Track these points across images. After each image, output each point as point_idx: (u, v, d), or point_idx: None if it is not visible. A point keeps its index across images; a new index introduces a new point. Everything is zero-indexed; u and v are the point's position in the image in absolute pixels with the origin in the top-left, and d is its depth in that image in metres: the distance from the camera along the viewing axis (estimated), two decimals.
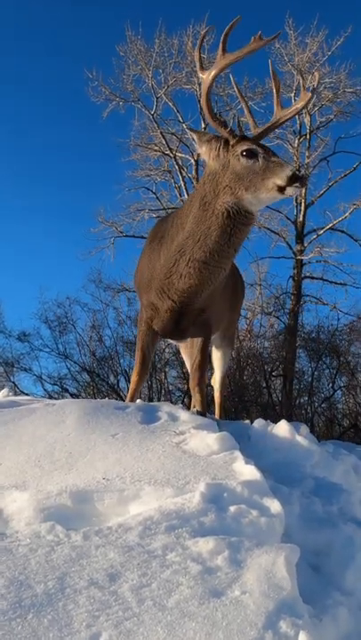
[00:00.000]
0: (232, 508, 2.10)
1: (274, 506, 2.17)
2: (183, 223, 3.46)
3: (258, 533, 2.02)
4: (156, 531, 1.94)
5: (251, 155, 3.26)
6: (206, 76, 3.46)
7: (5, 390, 4.14)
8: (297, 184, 3.15)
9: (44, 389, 14.71)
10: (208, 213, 3.33)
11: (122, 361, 14.94)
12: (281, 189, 3.18)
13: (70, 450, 2.56)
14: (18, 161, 26.35)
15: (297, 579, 1.85)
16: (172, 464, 2.41)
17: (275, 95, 3.80)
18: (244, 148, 3.28)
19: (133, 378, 3.78)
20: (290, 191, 3.18)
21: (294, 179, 3.14)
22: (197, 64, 3.66)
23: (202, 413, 3.41)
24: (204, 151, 3.43)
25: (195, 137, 3.50)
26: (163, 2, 25.18)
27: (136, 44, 16.24)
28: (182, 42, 16.34)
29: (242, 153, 3.28)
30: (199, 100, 17.00)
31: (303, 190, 3.13)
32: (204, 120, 16.79)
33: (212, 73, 3.45)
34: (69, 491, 2.18)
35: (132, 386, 3.79)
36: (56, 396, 14.55)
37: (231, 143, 3.36)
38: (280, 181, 3.16)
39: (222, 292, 3.86)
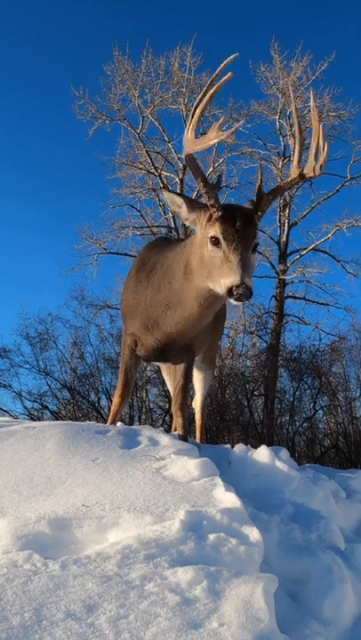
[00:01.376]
0: (211, 537, 2.10)
1: (253, 534, 2.16)
2: (171, 276, 3.38)
3: (237, 562, 2.02)
4: (134, 560, 1.93)
5: (216, 243, 2.97)
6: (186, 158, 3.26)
7: None
8: (231, 299, 2.87)
9: (24, 406, 14.56)
10: (189, 283, 3.24)
11: (103, 378, 14.86)
12: (230, 293, 2.87)
13: (50, 475, 2.54)
14: (0, 176, 26.29)
15: (275, 607, 1.85)
16: (152, 490, 2.41)
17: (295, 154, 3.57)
18: (212, 233, 2.98)
19: (115, 400, 3.77)
20: (231, 300, 2.90)
21: (230, 292, 2.85)
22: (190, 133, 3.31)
23: (183, 437, 3.41)
24: (190, 221, 3.18)
25: (184, 203, 3.19)
26: (150, 23, 25.50)
27: (123, 63, 16.41)
28: (169, 62, 16.56)
29: (210, 238, 2.99)
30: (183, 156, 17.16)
31: (241, 304, 2.91)
32: None
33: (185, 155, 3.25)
34: (48, 518, 2.16)
35: (113, 407, 3.78)
36: (36, 412, 14.42)
37: (210, 222, 3.04)
38: (221, 289, 2.94)
39: None
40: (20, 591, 1.74)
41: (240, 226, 2.97)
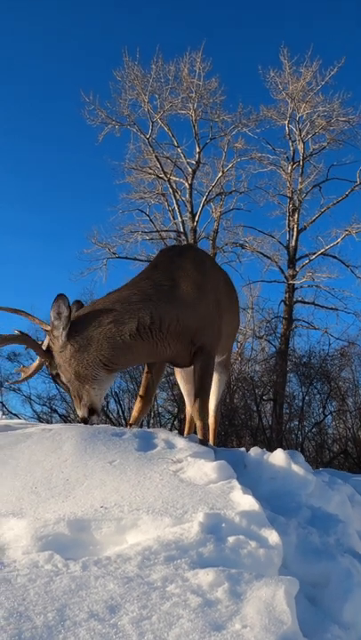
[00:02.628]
0: (231, 539, 2.09)
1: (272, 537, 2.16)
2: None
3: (256, 565, 2.02)
4: (155, 561, 1.94)
5: None
6: None
7: None
8: None
9: (33, 410, 14.62)
10: None
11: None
12: None
13: (67, 476, 2.55)
14: (10, 181, 26.46)
15: (295, 612, 1.85)
16: (170, 493, 2.41)
17: None
18: None
19: (136, 404, 3.80)
20: None
21: None
22: None
23: (203, 441, 3.41)
24: None
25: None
26: (160, 29, 25.65)
27: (133, 69, 16.52)
28: (179, 68, 16.65)
29: None
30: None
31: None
32: (198, 145, 17.03)
33: None
34: (67, 519, 2.16)
35: (133, 413, 3.80)
36: (45, 416, 14.46)
37: None
38: None
39: (223, 322, 3.92)
40: (42, 591, 1.75)
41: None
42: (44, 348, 3.51)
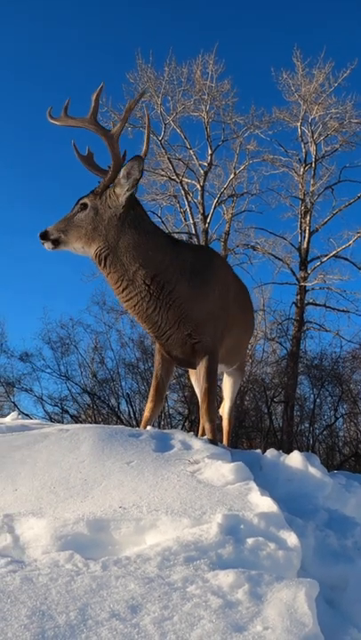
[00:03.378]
0: (249, 541, 2.09)
1: (291, 539, 2.16)
2: None
3: (276, 567, 2.01)
4: (175, 562, 1.94)
5: None
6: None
7: (14, 413, 4.15)
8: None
9: (45, 410, 14.67)
10: None
11: (123, 383, 14.93)
12: None
13: (85, 477, 2.56)
14: (23, 182, 26.62)
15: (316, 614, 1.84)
16: (188, 494, 2.41)
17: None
18: None
19: (147, 405, 3.80)
20: None
21: None
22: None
23: (212, 441, 3.40)
24: None
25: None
26: (173, 31, 25.70)
27: (146, 71, 16.58)
28: (191, 70, 16.67)
29: None
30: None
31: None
32: (210, 147, 17.04)
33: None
34: (86, 519, 2.17)
35: (145, 413, 3.80)
36: (56, 417, 14.50)
37: None
38: None
39: (238, 329, 3.95)
40: (63, 590, 1.76)
41: None
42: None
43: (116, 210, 3.55)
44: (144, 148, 3.90)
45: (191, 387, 4.72)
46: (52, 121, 3.69)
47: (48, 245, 3.62)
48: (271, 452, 3.26)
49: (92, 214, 3.57)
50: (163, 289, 3.53)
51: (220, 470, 2.64)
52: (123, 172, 3.52)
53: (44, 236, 3.62)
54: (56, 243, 3.62)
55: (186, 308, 3.56)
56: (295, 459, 3.10)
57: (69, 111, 3.66)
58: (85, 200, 3.62)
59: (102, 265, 3.59)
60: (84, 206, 3.60)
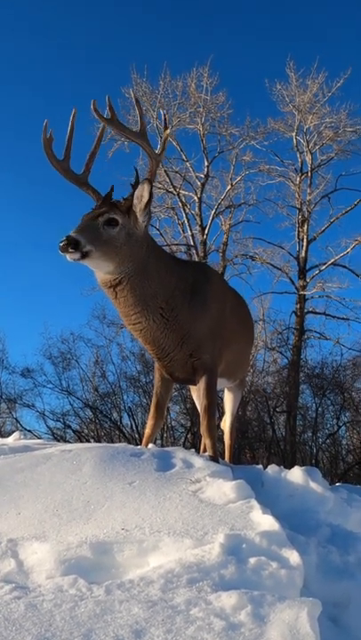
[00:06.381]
0: (252, 560, 2.10)
1: (293, 557, 2.16)
2: None
3: (278, 586, 2.02)
4: (177, 584, 1.95)
5: None
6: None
7: (17, 434, 4.16)
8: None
9: (47, 426, 14.66)
10: None
11: (125, 397, 14.93)
12: None
13: (88, 498, 2.58)
14: (20, 196, 26.73)
15: (319, 633, 1.85)
16: (190, 514, 2.42)
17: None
18: None
19: (148, 422, 3.82)
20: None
21: None
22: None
23: (214, 459, 3.42)
24: None
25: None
26: (167, 45, 25.92)
27: (141, 85, 16.71)
28: (186, 83, 16.80)
29: None
30: (202, 140, 17.37)
31: (62, 253, 2.94)
32: (207, 158, 17.14)
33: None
34: (89, 542, 2.19)
35: (146, 430, 3.82)
36: (58, 432, 14.49)
37: None
38: None
39: (237, 343, 3.97)
40: (67, 616, 1.77)
41: (95, 207, 3.52)
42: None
43: (141, 232, 3.47)
44: (160, 148, 3.96)
45: (193, 398, 4.72)
46: (102, 120, 3.69)
47: (75, 256, 3.23)
48: (272, 468, 3.28)
49: (124, 234, 3.39)
50: (172, 311, 3.53)
51: (222, 489, 2.65)
52: (136, 193, 3.45)
53: (76, 245, 3.21)
54: (84, 255, 3.26)
55: (189, 328, 3.58)
56: (296, 474, 3.12)
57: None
58: (115, 216, 3.38)
59: (121, 287, 3.43)
60: (114, 222, 3.37)
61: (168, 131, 3.89)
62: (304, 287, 16.89)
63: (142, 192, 3.44)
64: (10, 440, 4.01)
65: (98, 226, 3.34)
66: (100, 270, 3.44)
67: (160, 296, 3.50)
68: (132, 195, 3.49)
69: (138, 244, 3.44)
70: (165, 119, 4.01)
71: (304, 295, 16.89)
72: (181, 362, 3.66)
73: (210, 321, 3.67)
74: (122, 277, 3.42)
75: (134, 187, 3.53)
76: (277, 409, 15.18)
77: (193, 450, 3.68)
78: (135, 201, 3.45)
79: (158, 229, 17.52)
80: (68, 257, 3.23)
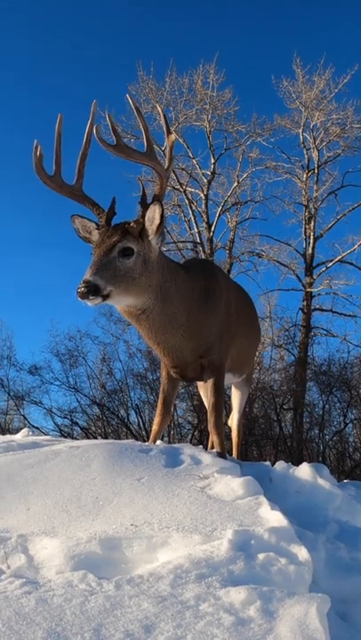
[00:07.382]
0: (260, 556, 2.11)
1: (302, 553, 2.17)
2: None
3: (287, 582, 2.03)
4: (187, 580, 1.96)
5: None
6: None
7: (25, 430, 4.18)
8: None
9: (54, 422, 14.69)
10: None
11: (132, 394, 14.93)
12: None
13: (97, 494, 2.59)
14: (27, 194, 26.74)
15: (328, 629, 1.85)
16: (199, 510, 2.43)
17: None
18: None
19: (155, 419, 3.83)
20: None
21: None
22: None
23: (221, 455, 3.43)
24: None
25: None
26: (173, 42, 25.85)
27: (147, 82, 16.70)
28: (192, 80, 16.76)
29: None
30: (208, 137, 17.35)
31: (81, 300, 2.97)
32: (213, 155, 17.12)
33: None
34: (99, 537, 2.20)
35: (154, 427, 3.83)
36: (66, 429, 14.53)
37: None
38: None
39: (242, 338, 3.96)
40: (78, 611, 1.78)
41: (105, 234, 3.27)
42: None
43: (155, 255, 3.36)
44: (167, 160, 3.76)
45: (200, 395, 4.73)
46: (107, 148, 3.44)
47: (96, 302, 3.08)
48: (280, 465, 3.28)
49: (141, 262, 3.25)
50: (194, 322, 3.53)
51: (230, 485, 2.66)
52: (148, 215, 3.33)
53: (96, 290, 3.04)
54: (106, 298, 3.11)
55: (205, 332, 3.60)
56: (304, 471, 3.12)
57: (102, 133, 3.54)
58: (130, 245, 3.23)
59: (145, 317, 3.38)
60: (129, 252, 3.22)
61: (172, 142, 3.80)
62: (311, 284, 16.87)
63: (154, 214, 3.32)
64: (18, 437, 4.03)
65: (114, 260, 3.17)
66: (122, 305, 3.38)
67: (182, 313, 3.48)
68: (143, 216, 3.35)
69: (155, 269, 3.34)
70: (167, 128, 3.89)
71: (311, 292, 16.87)
72: (193, 364, 3.67)
73: (220, 322, 3.69)
74: (145, 308, 3.35)
75: (142, 204, 3.41)
76: (284, 406, 15.15)
77: (200, 446, 3.68)
78: (147, 223, 3.32)
79: (165, 227, 17.51)
80: (89, 303, 3.07)
